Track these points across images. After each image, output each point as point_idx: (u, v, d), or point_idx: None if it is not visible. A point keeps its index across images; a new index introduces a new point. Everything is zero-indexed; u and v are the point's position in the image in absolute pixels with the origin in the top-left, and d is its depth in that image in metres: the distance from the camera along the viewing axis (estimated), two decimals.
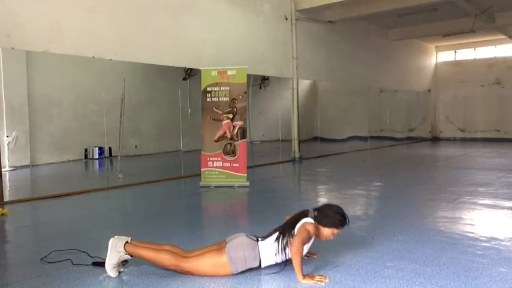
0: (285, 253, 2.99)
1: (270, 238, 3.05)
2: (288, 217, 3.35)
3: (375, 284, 2.86)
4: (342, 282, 2.89)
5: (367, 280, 2.92)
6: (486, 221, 4.68)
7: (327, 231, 3.06)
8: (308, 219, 3.04)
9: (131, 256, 3.05)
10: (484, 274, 3.00)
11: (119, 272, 3.05)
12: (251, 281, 2.94)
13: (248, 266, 3.00)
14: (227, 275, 2.97)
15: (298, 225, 3.02)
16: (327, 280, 2.88)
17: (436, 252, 3.47)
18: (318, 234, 3.08)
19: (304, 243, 2.93)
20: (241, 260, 2.96)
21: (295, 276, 2.90)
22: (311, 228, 2.98)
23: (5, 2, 5.91)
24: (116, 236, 3.10)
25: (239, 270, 2.98)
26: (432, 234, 4.02)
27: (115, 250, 3.01)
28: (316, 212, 3.07)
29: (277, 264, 3.06)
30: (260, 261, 3.01)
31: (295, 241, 2.89)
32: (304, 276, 2.87)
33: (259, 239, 3.08)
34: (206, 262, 2.96)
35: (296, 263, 2.88)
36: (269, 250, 3.01)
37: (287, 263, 3.02)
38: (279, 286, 2.85)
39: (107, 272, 3.01)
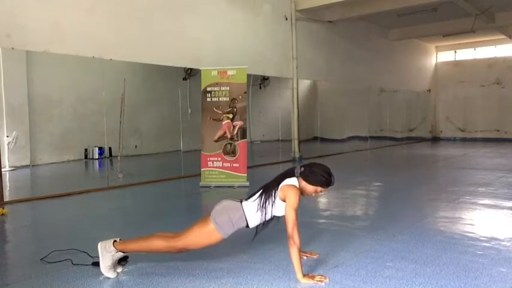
0: (266, 208, 2.95)
1: (254, 196, 3.04)
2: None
3: (375, 284, 2.86)
4: (342, 282, 2.89)
5: (367, 280, 2.92)
6: (486, 221, 4.68)
7: (310, 188, 3.00)
8: (292, 180, 2.97)
9: (123, 252, 3.05)
10: (484, 274, 3.00)
11: (117, 273, 3.05)
12: (251, 281, 2.93)
13: (236, 227, 2.98)
14: (220, 241, 2.97)
15: (281, 184, 2.97)
16: (327, 280, 2.88)
17: (436, 252, 3.47)
18: (301, 191, 3.01)
19: (297, 225, 2.85)
20: (227, 223, 2.94)
21: (295, 276, 2.90)
22: (295, 198, 2.87)
23: (5, 2, 5.91)
24: (102, 241, 3.08)
25: (229, 233, 2.97)
26: (432, 234, 4.02)
27: (105, 251, 3.01)
28: (302, 169, 3.01)
29: (259, 225, 3.03)
30: (247, 220, 2.99)
31: (290, 231, 2.81)
32: (303, 275, 2.87)
33: (243, 200, 3.07)
34: (195, 234, 2.96)
35: (295, 258, 2.84)
36: (253, 207, 2.99)
37: (268, 222, 3.01)
38: (279, 286, 2.85)
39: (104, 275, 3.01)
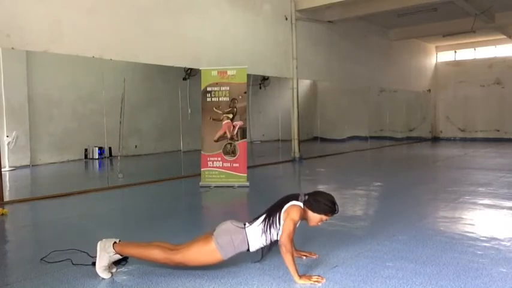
0: (271, 233, 2.97)
1: (257, 220, 3.04)
2: None
3: (375, 284, 2.86)
4: (341, 282, 2.89)
5: (367, 280, 2.92)
6: (486, 221, 4.67)
7: (315, 217, 3.04)
8: (297, 202, 3.01)
9: (121, 255, 3.05)
10: (484, 274, 3.00)
11: (111, 273, 3.04)
12: (251, 281, 2.94)
13: (237, 250, 2.99)
14: (218, 261, 2.97)
15: (285, 207, 3.00)
16: (324, 280, 2.88)
17: (436, 252, 3.47)
18: (306, 218, 3.06)
19: (291, 238, 2.89)
20: (229, 245, 2.95)
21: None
22: (297, 214, 2.94)
23: (5, 2, 5.90)
24: (103, 239, 3.09)
25: (229, 255, 2.97)
26: (432, 234, 4.02)
27: (104, 251, 3.01)
28: (306, 197, 3.05)
29: (264, 247, 3.04)
30: (248, 244, 3.00)
31: (283, 239, 2.86)
32: (300, 276, 2.87)
33: (246, 223, 3.08)
34: (195, 251, 2.96)
35: (289, 263, 2.87)
36: (256, 232, 3.00)
37: (272, 245, 3.01)
38: (279, 286, 2.85)
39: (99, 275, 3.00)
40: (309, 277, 2.88)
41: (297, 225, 3.01)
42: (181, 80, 10.22)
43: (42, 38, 6.31)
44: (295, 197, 3.06)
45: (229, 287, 2.85)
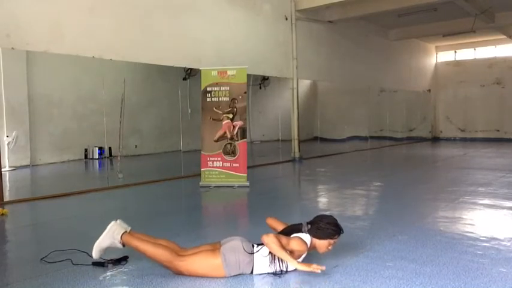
0: (278, 264, 2.96)
1: (264, 249, 3.00)
2: (269, 219, 3.32)
3: (375, 284, 2.86)
4: (342, 282, 2.89)
5: (367, 280, 2.91)
6: (486, 221, 4.68)
7: (323, 243, 3.04)
8: (302, 235, 3.00)
9: (123, 246, 3.05)
10: (484, 274, 3.00)
11: (102, 260, 3.06)
12: (251, 280, 2.93)
13: (241, 271, 2.99)
14: (220, 277, 2.95)
15: (292, 236, 2.99)
16: (324, 268, 2.83)
17: (436, 252, 3.47)
18: (315, 248, 3.05)
19: (278, 241, 2.87)
20: (235, 264, 2.94)
21: (295, 276, 2.90)
22: (297, 245, 2.92)
23: (5, 2, 5.90)
24: (118, 221, 3.09)
25: (232, 274, 2.96)
26: (432, 234, 4.02)
27: (111, 235, 3.01)
28: (309, 226, 3.04)
29: (273, 274, 3.01)
30: (252, 269, 2.99)
31: (268, 237, 2.86)
32: (298, 262, 2.87)
33: (255, 245, 3.05)
34: (200, 262, 2.94)
35: (278, 252, 2.85)
36: (263, 261, 2.99)
37: (282, 273, 2.98)
38: (279, 286, 2.85)
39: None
40: (309, 264, 2.85)
41: (303, 256, 2.99)
42: (181, 80, 10.22)
43: (42, 38, 6.31)
44: (298, 229, 3.05)
45: (229, 287, 2.85)
